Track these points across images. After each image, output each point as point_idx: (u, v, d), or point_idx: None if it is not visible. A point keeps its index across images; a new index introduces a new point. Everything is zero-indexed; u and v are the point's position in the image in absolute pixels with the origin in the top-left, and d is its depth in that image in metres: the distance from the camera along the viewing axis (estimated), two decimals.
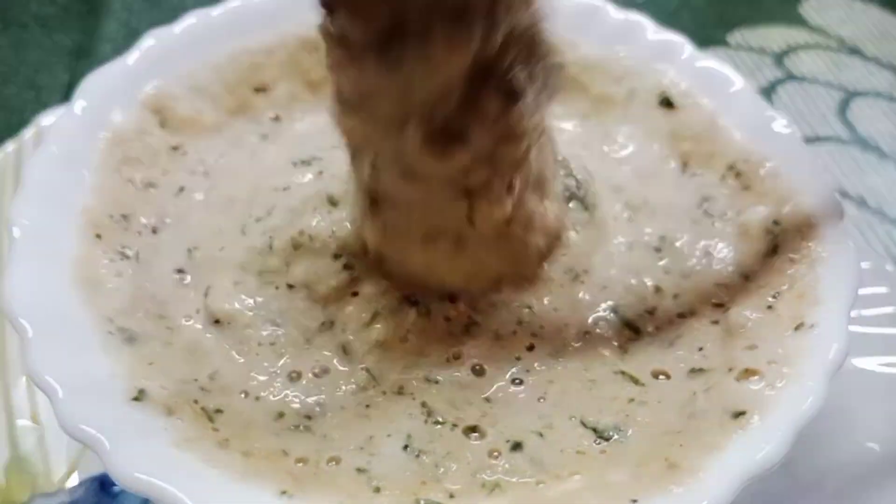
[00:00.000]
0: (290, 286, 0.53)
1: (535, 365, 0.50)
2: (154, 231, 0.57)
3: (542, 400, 0.49)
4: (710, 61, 0.64)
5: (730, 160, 0.60)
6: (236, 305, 0.52)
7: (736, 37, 1.04)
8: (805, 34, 1.05)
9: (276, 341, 0.51)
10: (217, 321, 0.52)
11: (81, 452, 0.59)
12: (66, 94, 0.90)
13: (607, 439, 0.47)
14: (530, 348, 0.51)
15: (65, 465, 0.59)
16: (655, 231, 0.58)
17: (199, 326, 0.52)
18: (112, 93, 0.59)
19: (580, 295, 0.53)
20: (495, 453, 0.46)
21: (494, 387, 0.49)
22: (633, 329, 0.53)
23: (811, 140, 0.91)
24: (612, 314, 0.53)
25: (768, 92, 0.96)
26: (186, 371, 0.49)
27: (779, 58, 1.01)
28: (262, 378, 0.50)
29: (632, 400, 0.49)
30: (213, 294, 0.53)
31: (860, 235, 0.80)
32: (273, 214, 0.57)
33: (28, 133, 0.75)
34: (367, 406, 0.48)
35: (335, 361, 0.50)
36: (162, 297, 0.53)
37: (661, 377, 0.50)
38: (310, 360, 0.50)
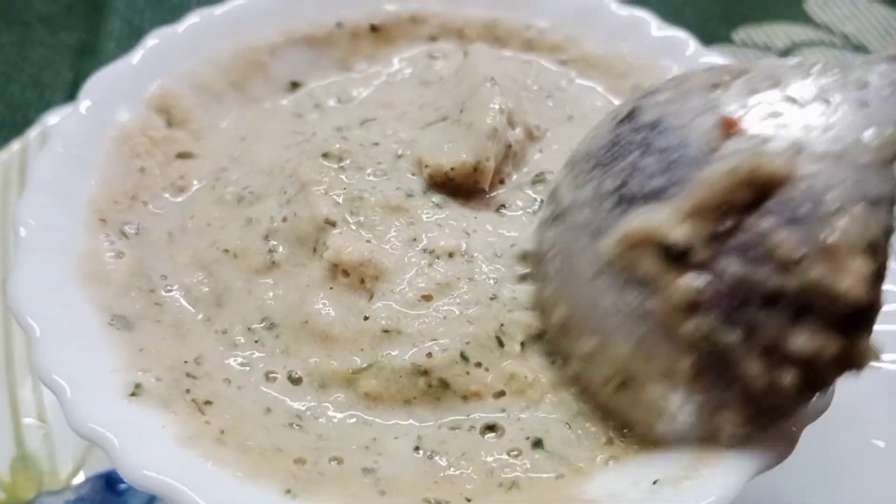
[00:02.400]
0: (226, 250, 0.53)
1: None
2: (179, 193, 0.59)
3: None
4: (715, 57, 0.64)
5: None
6: (194, 280, 0.52)
7: (740, 34, 1.04)
8: (810, 31, 1.05)
9: (229, 330, 0.50)
10: (187, 292, 0.52)
11: (87, 450, 0.59)
12: (70, 92, 0.90)
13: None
14: None
15: (71, 463, 0.59)
16: None
17: (179, 298, 0.52)
18: (117, 92, 0.59)
19: None
20: (514, 452, 0.45)
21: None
22: None
23: None
24: None
25: None
26: (176, 353, 0.48)
27: (783, 55, 1.01)
28: (237, 368, 0.48)
29: None
30: (180, 261, 0.53)
31: None
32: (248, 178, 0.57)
33: (33, 132, 0.75)
34: (365, 420, 0.47)
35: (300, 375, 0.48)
36: (154, 266, 0.53)
37: None
38: (277, 364, 0.49)
